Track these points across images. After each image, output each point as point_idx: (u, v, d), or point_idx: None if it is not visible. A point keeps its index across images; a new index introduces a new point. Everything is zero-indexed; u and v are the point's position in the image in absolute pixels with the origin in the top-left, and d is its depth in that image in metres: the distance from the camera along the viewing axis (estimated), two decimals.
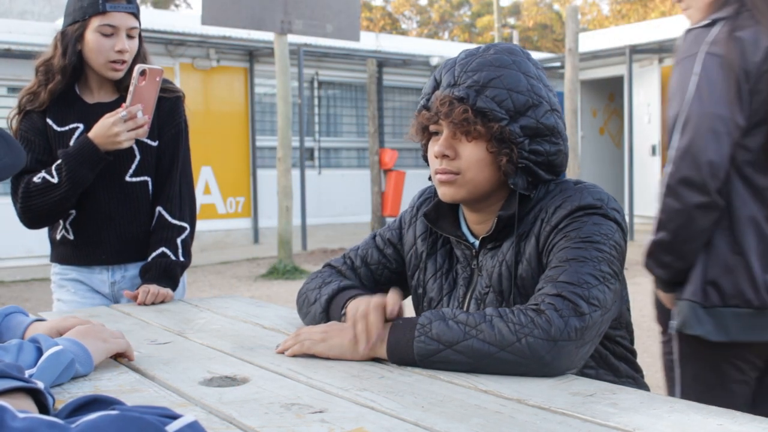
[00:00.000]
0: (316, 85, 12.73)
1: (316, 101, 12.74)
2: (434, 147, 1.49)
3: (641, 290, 5.88)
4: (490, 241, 1.52)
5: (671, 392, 1.93)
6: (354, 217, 12.66)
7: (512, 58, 1.47)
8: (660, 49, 11.91)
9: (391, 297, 1.38)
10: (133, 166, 2.29)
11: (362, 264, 1.72)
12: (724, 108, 1.76)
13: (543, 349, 1.25)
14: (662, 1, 26.68)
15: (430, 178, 1.56)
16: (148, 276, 2.25)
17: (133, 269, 2.34)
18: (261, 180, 11.84)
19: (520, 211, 1.48)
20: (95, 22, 2.18)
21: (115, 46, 2.20)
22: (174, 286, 2.26)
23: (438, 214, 1.59)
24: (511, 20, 32.01)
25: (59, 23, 3.00)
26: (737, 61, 1.77)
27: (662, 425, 1.02)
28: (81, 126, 2.26)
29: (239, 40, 11.16)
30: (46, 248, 2.46)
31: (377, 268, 1.71)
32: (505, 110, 1.43)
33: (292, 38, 9.94)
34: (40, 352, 1.24)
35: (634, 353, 1.58)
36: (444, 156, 1.47)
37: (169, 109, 2.34)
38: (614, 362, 1.53)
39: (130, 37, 2.23)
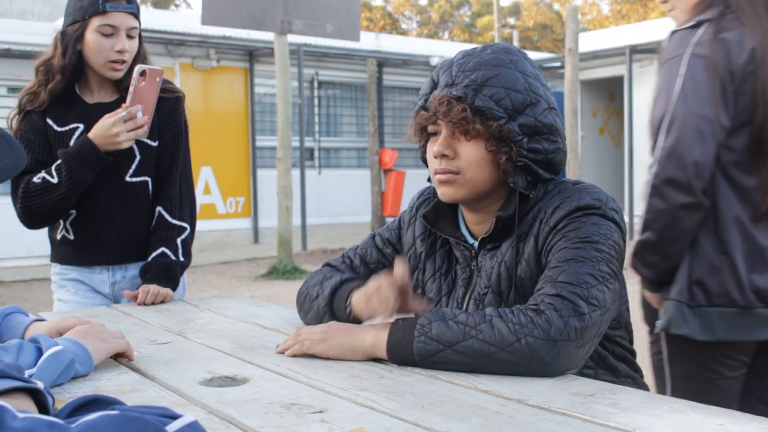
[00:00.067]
0: (316, 85, 12.73)
1: (316, 101, 12.74)
2: (433, 147, 1.49)
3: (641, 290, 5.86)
4: (489, 242, 1.52)
5: (661, 391, 1.95)
6: (354, 217, 12.66)
7: (509, 57, 1.48)
8: (660, 49, 11.89)
9: (397, 266, 1.42)
10: (133, 167, 2.29)
11: (361, 263, 1.72)
12: (709, 109, 1.77)
13: (543, 349, 1.25)
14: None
15: (429, 179, 1.56)
16: (148, 276, 2.25)
17: (133, 269, 2.34)
18: (261, 180, 11.84)
19: (519, 212, 1.48)
20: (95, 22, 2.19)
21: (115, 46, 2.20)
22: (174, 286, 2.27)
23: (437, 215, 1.59)
24: (511, 20, 32.01)
25: (59, 23, 3.00)
26: (722, 63, 1.78)
27: (662, 425, 1.03)
28: (81, 126, 2.26)
29: (239, 40, 11.16)
30: (46, 248, 2.46)
31: (376, 268, 1.71)
32: (503, 109, 1.43)
33: (292, 38, 9.94)
34: (40, 352, 1.24)
35: (633, 353, 1.58)
36: (443, 156, 1.47)
37: (169, 110, 2.34)
38: (613, 362, 1.52)
39: (130, 37, 2.23)
